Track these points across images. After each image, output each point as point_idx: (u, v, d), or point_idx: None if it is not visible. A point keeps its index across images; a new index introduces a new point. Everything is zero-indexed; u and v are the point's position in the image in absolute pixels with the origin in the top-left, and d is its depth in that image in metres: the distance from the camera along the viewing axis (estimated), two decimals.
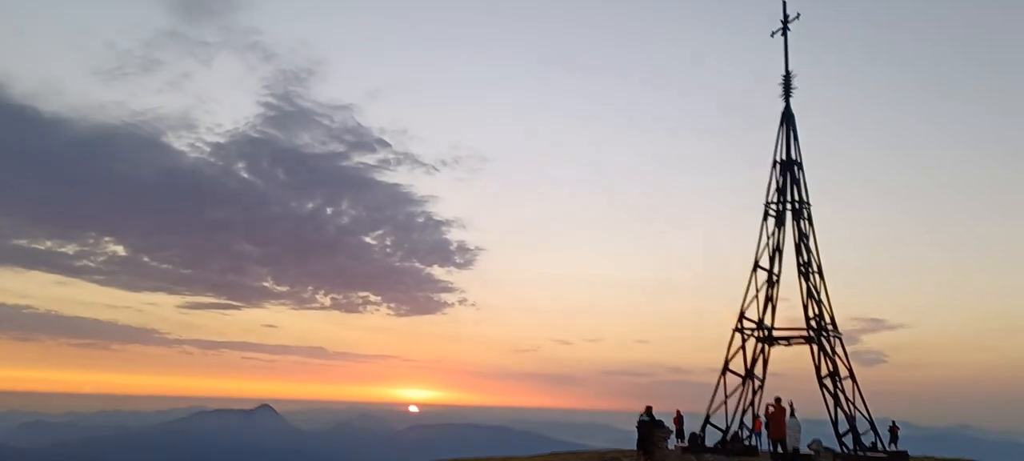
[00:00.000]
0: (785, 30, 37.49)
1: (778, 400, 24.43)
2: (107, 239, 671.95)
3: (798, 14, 37.40)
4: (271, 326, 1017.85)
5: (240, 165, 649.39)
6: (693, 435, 35.85)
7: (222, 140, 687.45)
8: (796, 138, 36.84)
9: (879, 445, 33.90)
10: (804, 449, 27.40)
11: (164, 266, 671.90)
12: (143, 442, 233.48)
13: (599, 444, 49.32)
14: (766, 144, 37.85)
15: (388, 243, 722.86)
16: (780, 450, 24.31)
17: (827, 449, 31.33)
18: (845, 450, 32.05)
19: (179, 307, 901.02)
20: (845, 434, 32.76)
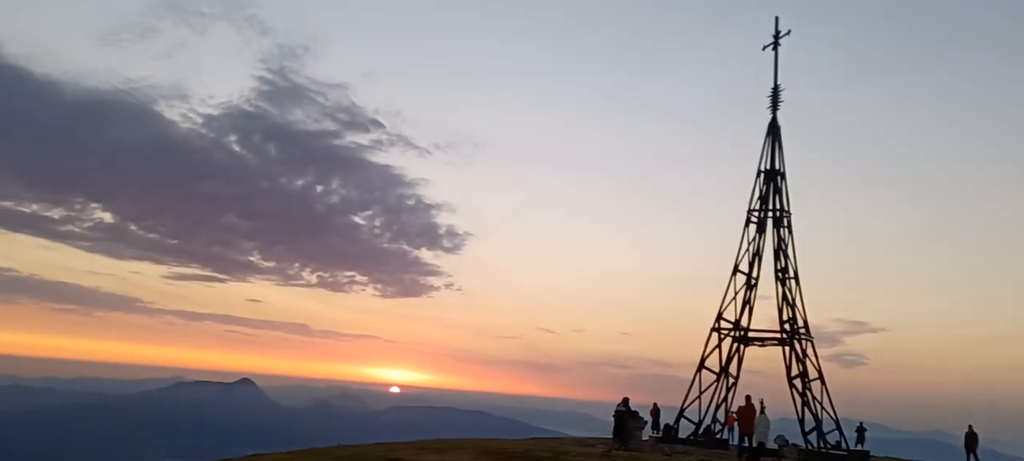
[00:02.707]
0: (776, 45, 38.95)
1: (748, 398, 26.12)
2: (94, 205, 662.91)
3: (789, 30, 38.98)
4: (255, 301, 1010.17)
5: (232, 138, 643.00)
6: (667, 426, 37.70)
7: (215, 112, 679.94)
8: (781, 149, 38.50)
9: (843, 444, 35.83)
10: (770, 444, 29.15)
11: (151, 235, 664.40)
12: (121, 410, 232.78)
13: (578, 433, 51.06)
14: (752, 153, 39.46)
15: (377, 224, 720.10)
16: (747, 444, 26.01)
17: (793, 446, 33.20)
18: (809, 447, 33.94)
19: (164, 277, 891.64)
20: (810, 432, 34.66)
